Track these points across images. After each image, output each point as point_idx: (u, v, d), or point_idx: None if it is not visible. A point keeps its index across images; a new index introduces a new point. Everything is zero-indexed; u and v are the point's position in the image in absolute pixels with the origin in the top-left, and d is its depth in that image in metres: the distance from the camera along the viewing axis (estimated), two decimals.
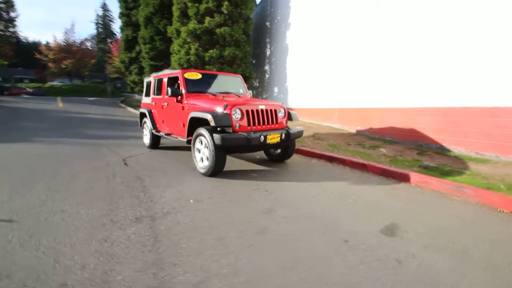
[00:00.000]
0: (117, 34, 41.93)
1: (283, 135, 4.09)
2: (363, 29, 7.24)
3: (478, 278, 1.74)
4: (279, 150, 4.81)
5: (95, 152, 5.36)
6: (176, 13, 10.81)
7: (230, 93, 4.99)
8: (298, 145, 5.72)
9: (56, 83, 31.13)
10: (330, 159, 4.94)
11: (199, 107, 4.21)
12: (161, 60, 13.59)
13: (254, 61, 13.79)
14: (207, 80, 5.04)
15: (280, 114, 4.32)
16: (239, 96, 4.92)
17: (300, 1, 10.01)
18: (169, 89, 4.49)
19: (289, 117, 4.51)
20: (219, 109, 3.81)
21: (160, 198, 3.04)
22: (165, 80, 5.19)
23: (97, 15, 44.30)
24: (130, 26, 16.79)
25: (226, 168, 4.05)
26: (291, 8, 10.48)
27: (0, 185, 3.33)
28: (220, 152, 3.72)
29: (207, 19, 9.89)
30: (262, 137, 3.78)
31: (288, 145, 4.55)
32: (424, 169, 4.23)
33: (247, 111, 3.90)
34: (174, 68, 10.43)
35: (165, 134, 5.19)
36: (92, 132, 7.97)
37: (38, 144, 5.97)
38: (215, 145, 3.62)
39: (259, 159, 5.10)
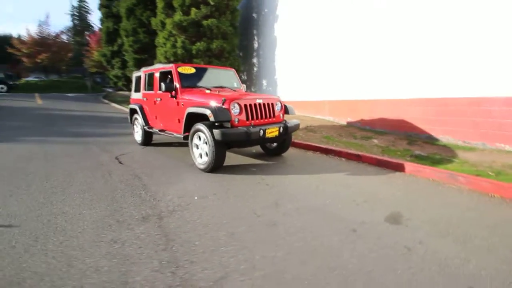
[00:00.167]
0: (95, 26, 40.21)
1: (281, 128, 4.11)
2: (352, 21, 7.31)
3: (482, 261, 1.85)
4: (275, 144, 4.84)
5: (85, 151, 5.19)
6: (160, 4, 10.48)
7: (225, 87, 4.93)
8: (292, 138, 5.77)
9: (31, 78, 29.52)
10: (326, 151, 5.02)
11: (195, 102, 4.14)
12: (146, 53, 13.21)
13: (241, 54, 13.62)
14: (201, 74, 4.96)
15: (277, 108, 4.34)
16: (234, 90, 4.88)
17: None
18: (163, 84, 4.38)
19: (285, 110, 4.53)
20: (217, 104, 3.77)
21: (163, 196, 3.00)
22: (157, 74, 5.05)
23: (72, 6, 42.17)
24: (111, 17, 16.14)
25: (224, 164, 4.03)
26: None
27: None
28: (220, 148, 3.70)
29: (193, 10, 9.65)
30: (261, 131, 3.79)
31: (285, 139, 4.58)
32: (416, 158, 4.39)
33: (245, 105, 3.88)
34: (160, 62, 10.19)
35: (159, 131, 5.09)
36: (78, 130, 7.68)
37: (24, 144, 5.70)
38: (215, 140, 3.59)
39: (255, 153, 5.11)
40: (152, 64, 11.05)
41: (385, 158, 4.30)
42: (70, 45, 33.06)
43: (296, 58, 9.59)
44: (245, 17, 12.68)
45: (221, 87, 4.89)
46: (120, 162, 4.44)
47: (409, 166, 3.87)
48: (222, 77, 5.23)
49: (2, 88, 20.15)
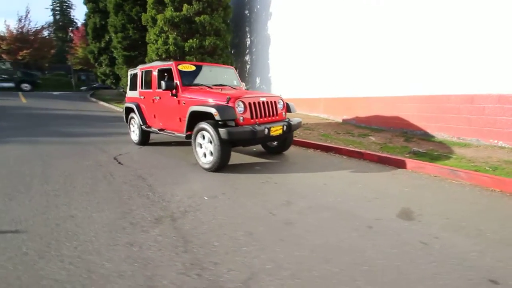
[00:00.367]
0: (78, 21, 38.87)
1: (285, 126, 4.12)
2: (347, 19, 7.38)
3: (498, 253, 1.92)
4: (275, 142, 4.84)
5: (81, 151, 5.03)
6: None
7: (225, 85, 4.88)
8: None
9: None
10: (326, 149, 5.07)
11: (198, 100, 4.08)
12: (135, 50, 12.86)
13: (233, 51, 13.53)
14: (200, 72, 4.88)
15: (280, 106, 4.33)
16: (235, 89, 4.83)
17: None
18: (163, 83, 4.28)
19: (288, 108, 4.54)
20: (222, 103, 3.73)
21: (172, 197, 2.94)
22: (155, 72, 4.94)
23: (53, 0, 40.53)
24: (98, 13, 15.58)
25: None
26: None
27: None
28: (226, 147, 3.67)
29: (185, 6, 9.47)
30: (266, 129, 3.78)
31: (287, 137, 4.59)
32: (415, 155, 4.49)
33: (249, 103, 3.86)
34: (152, 59, 9.97)
35: (158, 130, 4.98)
36: (69, 129, 7.43)
37: (15, 145, 5.46)
38: (221, 139, 3.56)
39: (256, 152, 5.10)
40: (143, 61, 10.81)
41: (387, 155, 4.38)
42: (52, 41, 31.80)
43: (290, 55, 9.61)
44: (236, 14, 12.56)
45: (221, 85, 4.84)
46: (119, 163, 4.32)
47: (410, 162, 3.96)
48: (222, 75, 5.17)
49: (26, 87, 20.45)
